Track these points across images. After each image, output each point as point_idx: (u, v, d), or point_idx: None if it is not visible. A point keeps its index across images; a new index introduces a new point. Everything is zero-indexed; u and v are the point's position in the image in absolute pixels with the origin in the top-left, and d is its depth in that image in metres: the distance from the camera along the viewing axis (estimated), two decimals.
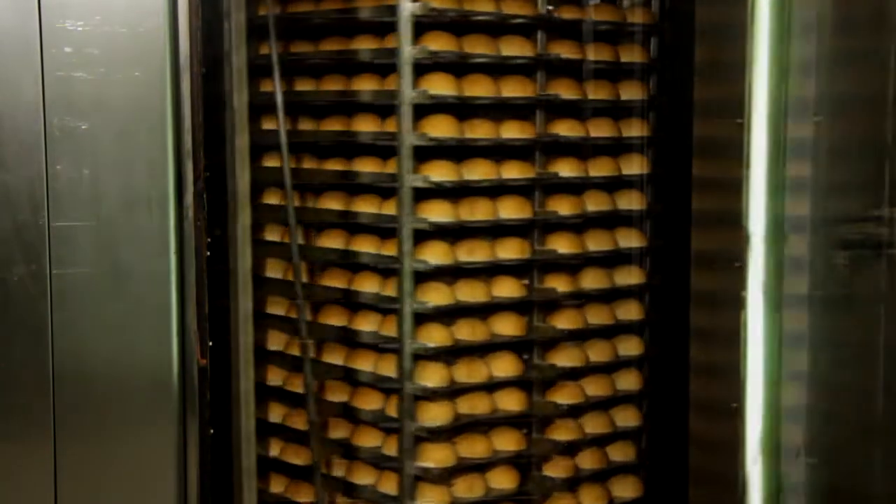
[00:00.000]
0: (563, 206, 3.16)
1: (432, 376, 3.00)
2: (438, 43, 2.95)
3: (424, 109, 2.94)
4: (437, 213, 2.99)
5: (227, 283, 3.06)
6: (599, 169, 3.22)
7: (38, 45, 2.79)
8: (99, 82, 2.81)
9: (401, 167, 2.91)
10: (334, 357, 3.19)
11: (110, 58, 2.81)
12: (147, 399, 2.89)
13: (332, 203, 3.19)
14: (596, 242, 3.21)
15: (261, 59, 3.16)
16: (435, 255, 2.98)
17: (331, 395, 3.21)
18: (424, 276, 2.99)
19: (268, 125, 3.25)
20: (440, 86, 2.96)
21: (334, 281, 3.20)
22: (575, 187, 3.19)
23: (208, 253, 2.95)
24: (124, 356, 2.87)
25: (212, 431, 3.00)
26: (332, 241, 3.18)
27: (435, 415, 3.01)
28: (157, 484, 2.91)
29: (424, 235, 2.98)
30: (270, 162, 3.26)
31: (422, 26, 2.91)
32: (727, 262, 2.72)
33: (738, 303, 2.68)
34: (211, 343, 2.98)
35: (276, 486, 3.31)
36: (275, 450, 3.31)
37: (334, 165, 3.19)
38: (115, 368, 2.87)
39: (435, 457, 3.01)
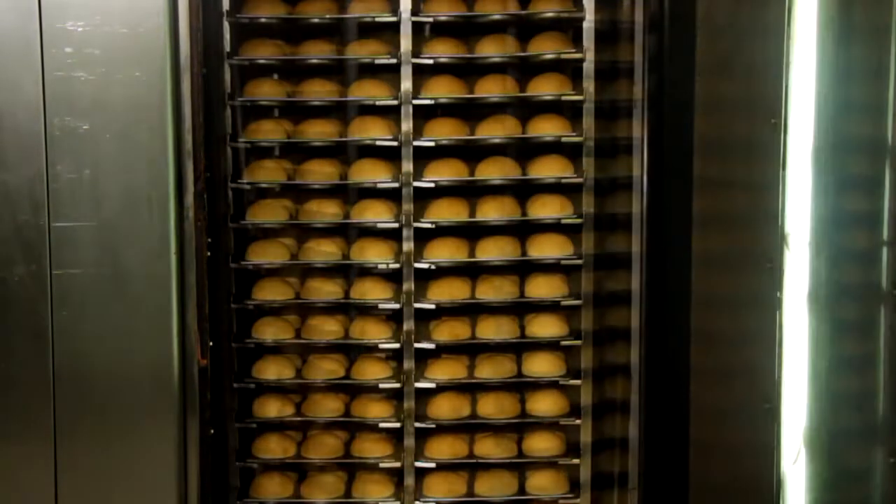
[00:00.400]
0: (546, 208, 3.18)
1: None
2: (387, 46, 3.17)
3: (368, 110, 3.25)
4: (381, 213, 3.24)
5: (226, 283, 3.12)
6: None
7: (39, 46, 2.80)
8: (99, 82, 2.81)
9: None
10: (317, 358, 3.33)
11: (110, 58, 2.81)
12: (147, 399, 2.88)
13: (322, 205, 3.30)
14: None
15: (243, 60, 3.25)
16: (381, 254, 3.23)
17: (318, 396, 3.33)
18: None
19: (257, 126, 3.31)
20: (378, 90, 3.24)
21: (321, 282, 3.32)
22: (568, 188, 3.18)
23: (208, 253, 2.95)
24: (124, 356, 2.87)
25: (212, 431, 3.01)
26: (319, 243, 3.30)
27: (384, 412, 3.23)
28: (157, 483, 2.91)
29: (369, 232, 3.28)
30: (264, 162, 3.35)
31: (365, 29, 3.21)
32: (755, 264, 2.63)
33: (770, 303, 2.59)
34: (211, 343, 2.98)
35: (272, 482, 3.32)
36: (268, 446, 3.33)
37: (320, 166, 3.29)
38: (116, 368, 2.87)
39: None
